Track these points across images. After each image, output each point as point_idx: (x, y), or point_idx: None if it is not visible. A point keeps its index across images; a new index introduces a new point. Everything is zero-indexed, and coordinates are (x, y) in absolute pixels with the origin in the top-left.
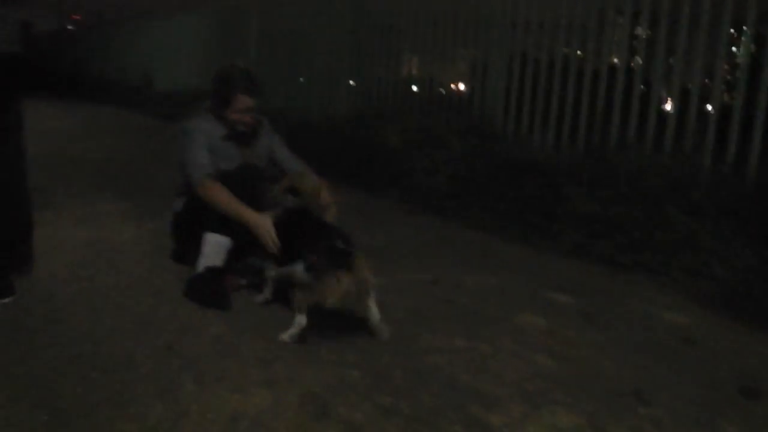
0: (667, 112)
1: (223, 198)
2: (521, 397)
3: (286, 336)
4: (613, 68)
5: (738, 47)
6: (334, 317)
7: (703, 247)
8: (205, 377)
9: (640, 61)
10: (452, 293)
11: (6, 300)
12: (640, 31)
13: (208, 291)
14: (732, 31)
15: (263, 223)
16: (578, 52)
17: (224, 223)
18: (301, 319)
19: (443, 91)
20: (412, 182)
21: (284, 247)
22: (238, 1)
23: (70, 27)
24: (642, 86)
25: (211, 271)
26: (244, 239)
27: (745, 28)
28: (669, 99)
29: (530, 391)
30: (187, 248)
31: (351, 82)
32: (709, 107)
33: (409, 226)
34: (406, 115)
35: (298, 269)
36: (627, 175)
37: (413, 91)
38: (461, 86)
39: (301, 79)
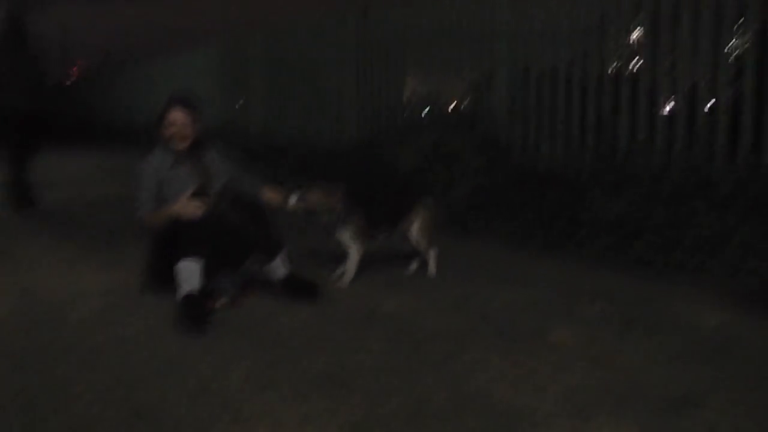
0: (676, 110)
1: (156, 216)
2: (568, 412)
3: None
4: (617, 72)
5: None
6: (369, 340)
7: (737, 244)
8: (242, 415)
9: (640, 63)
10: (484, 311)
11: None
12: (640, 34)
13: (185, 318)
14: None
15: (182, 203)
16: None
17: (190, 246)
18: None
19: (452, 108)
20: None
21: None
22: (240, 33)
23: (68, 82)
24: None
25: (187, 297)
26: (211, 257)
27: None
28: (673, 97)
29: (577, 405)
30: (167, 276)
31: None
32: (709, 103)
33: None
34: (415, 134)
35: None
36: (648, 176)
37: (420, 110)
38: (468, 101)
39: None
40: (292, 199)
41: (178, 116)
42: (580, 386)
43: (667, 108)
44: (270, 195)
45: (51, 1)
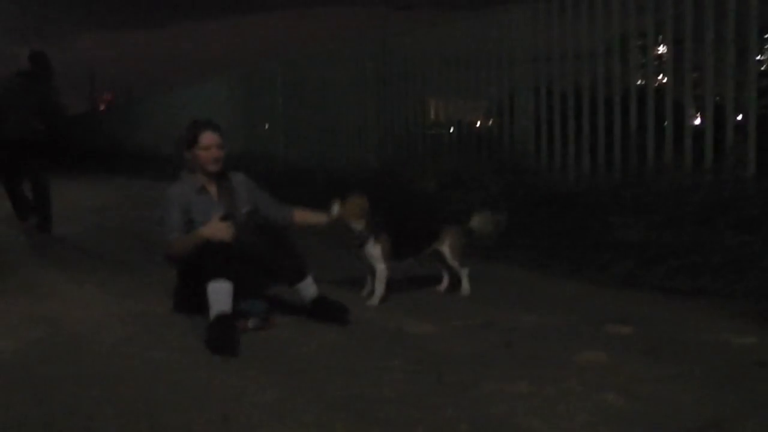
0: (702, 128)
1: (183, 241)
2: None
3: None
4: (642, 90)
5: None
6: (393, 366)
7: (763, 266)
8: None
9: (665, 81)
10: (509, 336)
11: None
12: (664, 51)
13: (217, 339)
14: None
15: (210, 226)
16: (604, 78)
17: (219, 268)
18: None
19: (472, 131)
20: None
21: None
22: (260, 61)
23: (102, 107)
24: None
25: (218, 318)
26: (240, 280)
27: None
28: (699, 115)
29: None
30: (196, 300)
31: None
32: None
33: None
34: (438, 158)
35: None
36: (672, 196)
37: (442, 134)
38: (489, 124)
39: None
40: (334, 208)
41: (213, 140)
42: (608, 413)
43: (696, 121)
44: (304, 215)
45: (71, 33)
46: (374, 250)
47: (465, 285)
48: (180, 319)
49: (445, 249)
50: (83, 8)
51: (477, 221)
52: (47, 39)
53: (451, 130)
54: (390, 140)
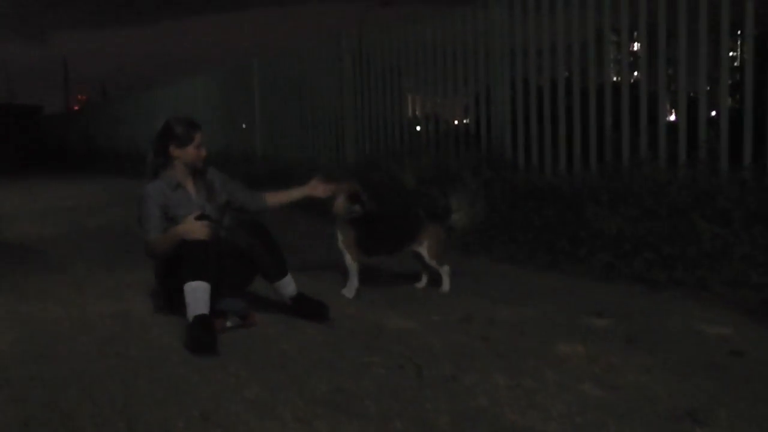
0: (676, 122)
1: (162, 240)
2: (574, 430)
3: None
4: (616, 85)
5: (738, 50)
6: (374, 361)
7: (737, 256)
8: None
9: (638, 75)
10: (488, 329)
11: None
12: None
13: (195, 340)
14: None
15: (186, 224)
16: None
17: (196, 268)
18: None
19: (449, 126)
20: None
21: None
22: (238, 59)
23: (76, 107)
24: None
25: (197, 319)
26: (217, 279)
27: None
28: (674, 110)
29: (582, 424)
30: (175, 300)
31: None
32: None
33: None
34: (416, 153)
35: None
36: (647, 190)
37: (420, 130)
38: (466, 119)
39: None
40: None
41: (202, 138)
42: (585, 403)
43: (670, 117)
44: (277, 197)
45: (48, 30)
46: (338, 240)
47: (445, 283)
48: (160, 319)
49: (423, 250)
50: (62, 5)
51: (457, 217)
52: (24, 35)
53: (428, 126)
54: (368, 136)
